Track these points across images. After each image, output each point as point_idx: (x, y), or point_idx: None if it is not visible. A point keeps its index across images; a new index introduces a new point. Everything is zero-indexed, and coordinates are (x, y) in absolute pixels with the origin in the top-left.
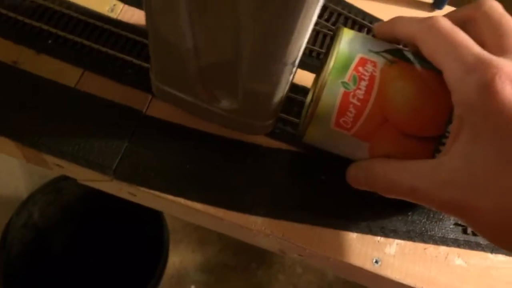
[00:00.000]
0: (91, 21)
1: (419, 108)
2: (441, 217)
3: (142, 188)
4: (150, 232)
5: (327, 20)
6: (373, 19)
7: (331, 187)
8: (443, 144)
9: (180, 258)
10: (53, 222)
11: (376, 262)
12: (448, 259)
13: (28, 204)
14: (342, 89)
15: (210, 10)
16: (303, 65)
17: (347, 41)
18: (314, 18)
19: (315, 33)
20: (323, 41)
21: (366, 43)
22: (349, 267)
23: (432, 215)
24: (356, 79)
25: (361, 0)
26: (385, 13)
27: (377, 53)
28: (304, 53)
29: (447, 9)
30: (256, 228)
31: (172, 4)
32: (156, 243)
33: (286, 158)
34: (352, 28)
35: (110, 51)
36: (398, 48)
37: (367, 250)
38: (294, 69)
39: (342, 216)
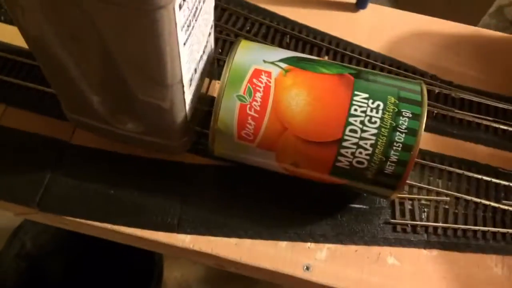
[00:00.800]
0: (11, 56)
1: (315, 115)
2: (369, 217)
3: (68, 218)
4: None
5: (240, 29)
6: (297, 25)
7: (256, 198)
8: (345, 147)
9: (181, 272)
10: (46, 250)
11: (307, 268)
12: (380, 258)
13: (20, 233)
14: (238, 103)
15: (78, 38)
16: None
17: (242, 53)
18: (189, 41)
19: (223, 41)
20: None
21: (261, 53)
22: (281, 276)
23: (360, 216)
24: (251, 91)
25: (284, 7)
26: (310, 18)
27: (271, 63)
28: (219, 65)
29: (371, 7)
30: (185, 246)
31: (43, 33)
32: (150, 262)
33: (209, 173)
34: (276, 37)
35: (30, 85)
36: (294, 55)
37: (298, 257)
38: (187, 88)
39: (270, 226)
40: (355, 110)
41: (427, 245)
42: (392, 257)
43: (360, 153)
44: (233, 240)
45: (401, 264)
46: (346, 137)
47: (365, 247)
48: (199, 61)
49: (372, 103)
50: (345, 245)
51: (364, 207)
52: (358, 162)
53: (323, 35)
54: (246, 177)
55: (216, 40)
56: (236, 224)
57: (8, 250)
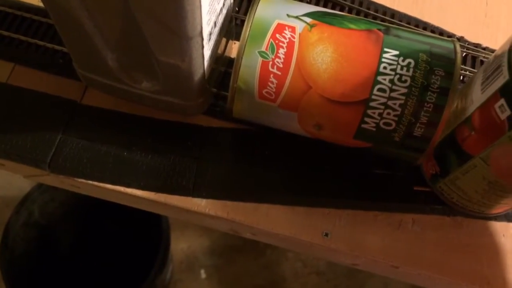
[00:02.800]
0: (19, 13)
1: (341, 73)
2: (392, 183)
3: (80, 180)
4: (151, 220)
5: None
6: None
7: (275, 162)
8: (372, 108)
9: (188, 244)
10: (55, 218)
11: (326, 235)
12: (402, 225)
13: (27, 202)
14: (260, 59)
15: None
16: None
17: (264, 6)
18: None
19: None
20: None
21: (285, 7)
22: (299, 242)
23: (382, 182)
24: (274, 47)
25: None
26: None
27: (296, 17)
28: (236, 23)
29: None
30: (200, 210)
31: None
32: (157, 231)
33: (226, 136)
34: None
35: (40, 42)
36: (319, 10)
37: (316, 223)
38: (206, 42)
39: (288, 191)
40: (385, 68)
41: (451, 213)
42: (415, 224)
43: (388, 114)
44: (250, 205)
45: (423, 231)
46: (374, 97)
47: (386, 214)
48: (219, 14)
49: (403, 60)
50: (366, 211)
51: (387, 172)
52: (385, 123)
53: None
54: (264, 141)
55: None
56: (253, 189)
57: (16, 219)
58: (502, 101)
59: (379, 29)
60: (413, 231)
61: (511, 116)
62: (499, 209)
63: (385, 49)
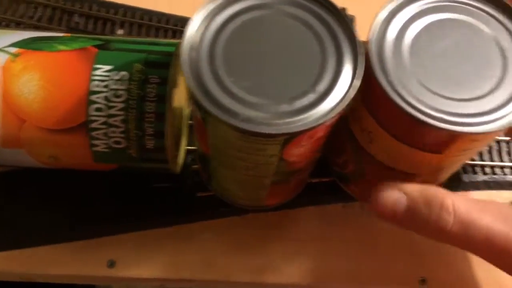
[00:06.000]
0: None
1: (51, 100)
2: (173, 194)
3: None
4: None
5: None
6: (86, 1)
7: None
8: (94, 129)
9: None
10: None
11: (112, 264)
12: (194, 236)
13: None
14: None
15: None
16: None
17: None
18: None
19: None
20: None
21: None
22: (84, 278)
23: (165, 195)
24: None
25: None
26: None
27: (0, 49)
28: None
29: None
30: None
31: None
32: None
33: None
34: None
35: None
36: (30, 36)
37: (100, 254)
38: None
39: (61, 227)
40: (97, 85)
41: (240, 212)
42: (205, 232)
43: (114, 132)
44: (26, 251)
45: (215, 237)
46: (92, 118)
47: (176, 227)
48: None
49: (116, 74)
50: (153, 230)
51: (168, 185)
52: (115, 142)
53: (117, 7)
54: (26, 182)
55: None
56: (23, 234)
57: None
58: None
59: (96, 45)
60: (203, 239)
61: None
62: (268, 202)
63: (96, 66)
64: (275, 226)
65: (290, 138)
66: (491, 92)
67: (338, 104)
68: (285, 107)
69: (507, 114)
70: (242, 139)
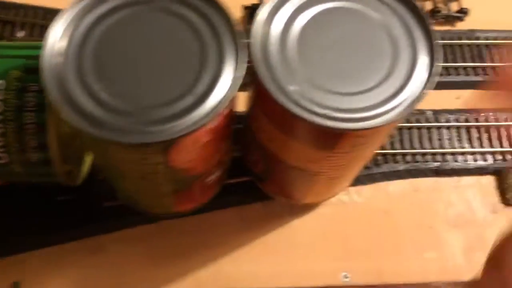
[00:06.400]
0: None
1: None
2: (79, 206)
3: None
4: None
5: None
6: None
7: None
8: None
9: None
10: None
11: (16, 285)
12: (104, 247)
13: None
14: None
15: None
16: None
17: None
18: None
19: None
20: None
21: None
22: None
23: (72, 207)
24: None
25: None
26: None
27: None
28: None
29: None
30: None
31: None
32: None
33: None
34: None
35: None
36: None
37: (3, 275)
38: None
39: None
40: None
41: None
42: (115, 243)
43: None
44: None
45: (128, 247)
46: None
47: (84, 240)
48: None
49: None
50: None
51: (72, 197)
52: None
53: (17, 8)
54: None
55: None
56: None
57: None
58: None
59: None
60: (114, 251)
61: None
62: (179, 208)
63: None
64: (191, 232)
65: (169, 145)
66: (379, 84)
67: (216, 106)
68: (160, 113)
69: (395, 107)
70: (116, 150)
